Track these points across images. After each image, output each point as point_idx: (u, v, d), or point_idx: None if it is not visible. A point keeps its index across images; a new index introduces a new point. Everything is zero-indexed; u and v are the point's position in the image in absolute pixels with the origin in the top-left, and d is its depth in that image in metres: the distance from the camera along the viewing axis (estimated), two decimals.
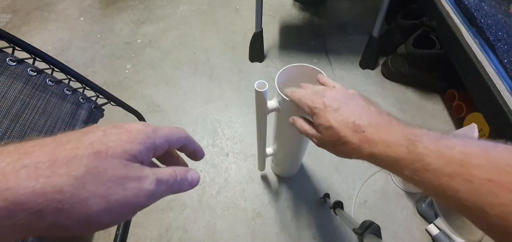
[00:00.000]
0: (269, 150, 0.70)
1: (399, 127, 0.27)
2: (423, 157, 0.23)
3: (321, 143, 0.34)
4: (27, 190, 0.12)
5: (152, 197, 0.17)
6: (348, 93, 0.34)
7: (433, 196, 0.24)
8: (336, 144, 0.31)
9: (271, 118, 0.54)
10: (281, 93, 0.44)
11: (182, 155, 0.25)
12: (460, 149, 0.21)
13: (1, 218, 0.12)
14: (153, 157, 0.19)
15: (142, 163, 0.17)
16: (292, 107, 0.44)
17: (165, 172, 0.18)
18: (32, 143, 0.14)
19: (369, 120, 0.29)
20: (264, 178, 0.83)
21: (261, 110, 0.49)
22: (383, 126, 0.28)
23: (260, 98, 0.45)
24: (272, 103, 0.48)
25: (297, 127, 0.38)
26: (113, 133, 0.16)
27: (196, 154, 0.24)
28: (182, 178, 0.20)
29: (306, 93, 0.35)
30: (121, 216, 0.16)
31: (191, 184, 0.21)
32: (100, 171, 0.14)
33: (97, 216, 0.14)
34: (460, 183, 0.20)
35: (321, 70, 0.46)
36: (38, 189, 0.13)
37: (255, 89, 0.43)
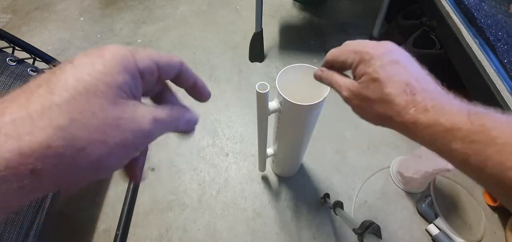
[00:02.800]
0: (269, 150, 0.70)
1: (458, 99, 0.24)
2: (488, 129, 0.20)
3: (354, 97, 0.28)
4: (12, 153, 0.11)
5: (151, 136, 0.16)
6: (405, 52, 0.28)
7: (480, 177, 0.20)
8: (374, 102, 0.26)
9: (271, 119, 0.54)
10: (282, 94, 0.44)
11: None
12: None
13: None
14: (143, 88, 0.17)
15: (134, 96, 0.15)
16: (294, 108, 0.44)
17: (162, 110, 0.17)
18: (2, 100, 0.13)
19: (426, 85, 0.25)
20: (264, 178, 0.83)
21: (263, 112, 0.49)
22: (440, 94, 0.24)
23: (262, 100, 0.45)
24: (273, 104, 0.48)
25: (324, 77, 0.32)
26: (85, 64, 0.14)
27: (198, 88, 0.21)
28: (181, 115, 0.18)
29: (350, 43, 0.30)
30: (125, 157, 0.15)
31: (189, 123, 0.19)
32: (87, 115, 0.13)
33: (102, 162, 0.13)
34: None
35: None
36: (25, 149, 0.11)
37: (257, 91, 0.43)
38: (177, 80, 0.19)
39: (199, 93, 0.21)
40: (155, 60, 0.16)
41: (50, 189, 0.13)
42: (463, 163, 0.21)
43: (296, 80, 0.49)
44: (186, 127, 0.19)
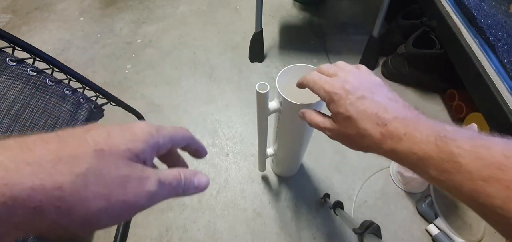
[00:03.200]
0: (269, 150, 0.70)
1: (428, 122, 0.24)
2: (455, 156, 0.20)
3: (335, 135, 0.30)
4: (26, 185, 0.12)
5: (152, 198, 0.17)
6: (373, 80, 0.30)
7: (462, 201, 0.21)
8: (354, 137, 0.28)
9: (271, 119, 0.54)
10: (282, 94, 0.44)
11: (185, 155, 0.25)
12: (499, 150, 0.19)
13: (1, 214, 0.12)
14: (156, 156, 0.19)
15: (144, 162, 0.17)
16: (293, 108, 0.44)
17: (169, 173, 0.18)
18: (34, 138, 0.14)
19: (395, 113, 0.26)
20: (264, 178, 0.83)
21: (263, 112, 0.49)
22: (411, 120, 0.25)
23: (262, 100, 0.45)
24: (273, 104, 0.48)
25: (307, 119, 0.34)
26: (117, 131, 0.16)
27: (199, 152, 0.24)
28: (187, 180, 0.19)
29: (322, 77, 0.31)
30: (120, 217, 0.16)
31: (198, 188, 0.20)
32: (102, 170, 0.14)
33: (97, 216, 0.14)
34: (497, 189, 0.18)
35: None
36: (37, 186, 0.12)
37: (257, 91, 0.43)
38: (185, 148, 0.23)
39: (199, 155, 0.24)
40: (172, 138, 0.20)
41: (45, 230, 0.14)
42: (443, 187, 0.22)
43: (296, 80, 0.49)
44: (196, 191, 0.20)
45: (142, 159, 0.17)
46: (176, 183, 0.18)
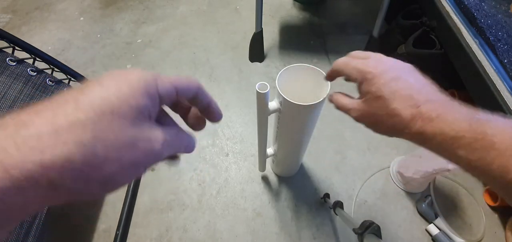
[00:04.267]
0: (269, 150, 0.70)
1: (462, 107, 0.25)
2: (488, 136, 0.21)
3: (362, 116, 0.30)
4: (35, 164, 0.12)
5: (160, 157, 0.17)
6: (406, 65, 0.30)
7: (487, 180, 0.21)
8: (382, 118, 0.28)
9: (271, 119, 0.54)
10: (282, 94, 0.44)
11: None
12: None
13: (11, 196, 0.11)
14: (162, 106, 0.18)
15: (149, 117, 0.16)
16: (294, 108, 0.44)
17: (172, 132, 0.18)
18: (27, 112, 0.13)
19: (428, 96, 0.26)
20: (264, 178, 0.83)
21: (263, 112, 0.49)
22: (443, 103, 0.25)
23: (262, 100, 0.45)
24: (273, 104, 0.48)
25: (334, 101, 0.34)
26: (112, 86, 0.15)
27: (211, 110, 0.21)
28: (183, 138, 0.19)
29: (354, 59, 0.31)
30: (133, 175, 0.16)
31: (188, 147, 0.20)
32: (109, 134, 0.14)
33: (111, 179, 0.14)
34: None
35: (322, 71, 0.46)
36: (47, 161, 0.12)
37: (257, 91, 0.43)
38: (193, 102, 0.20)
39: (212, 114, 0.22)
40: (175, 85, 0.18)
41: (61, 201, 0.14)
42: (469, 167, 0.22)
43: (296, 80, 0.49)
44: (185, 150, 0.20)
45: (146, 114, 0.16)
46: (179, 144, 0.18)
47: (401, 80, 0.27)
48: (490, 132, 0.21)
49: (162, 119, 0.21)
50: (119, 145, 0.14)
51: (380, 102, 0.27)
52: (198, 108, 0.21)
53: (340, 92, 0.35)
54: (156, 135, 0.16)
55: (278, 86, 0.45)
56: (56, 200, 0.13)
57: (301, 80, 0.49)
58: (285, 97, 0.44)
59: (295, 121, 0.51)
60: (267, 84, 0.42)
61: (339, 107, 0.34)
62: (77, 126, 0.13)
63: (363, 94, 0.30)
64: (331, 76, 0.35)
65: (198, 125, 0.23)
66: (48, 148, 0.12)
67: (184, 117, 0.23)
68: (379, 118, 0.28)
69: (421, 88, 0.27)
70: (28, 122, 0.13)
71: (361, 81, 0.29)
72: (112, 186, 0.15)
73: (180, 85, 0.18)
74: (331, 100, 0.35)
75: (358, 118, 0.31)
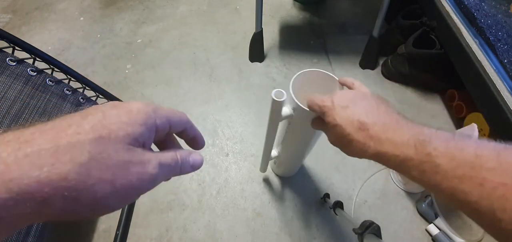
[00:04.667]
0: (273, 152, 0.69)
1: (407, 126, 0.27)
2: (432, 158, 0.22)
3: (332, 141, 0.35)
4: (31, 179, 0.12)
5: (155, 180, 0.17)
6: (359, 93, 0.34)
7: (442, 199, 0.23)
8: (343, 142, 0.31)
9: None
10: (296, 100, 0.43)
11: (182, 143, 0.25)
12: (472, 151, 0.20)
13: (7, 208, 0.12)
14: (154, 138, 0.19)
15: (144, 145, 0.17)
16: (306, 115, 0.42)
17: (167, 155, 0.19)
18: (31, 130, 0.14)
19: (375, 119, 0.29)
20: (264, 178, 0.83)
21: (275, 118, 0.47)
22: (390, 125, 0.27)
23: (277, 107, 0.44)
24: (286, 110, 0.47)
25: (314, 126, 0.40)
26: (113, 114, 0.16)
27: (196, 141, 0.24)
28: (183, 160, 0.20)
29: (317, 97, 0.36)
30: (126, 199, 0.16)
31: (193, 167, 0.21)
32: (104, 156, 0.14)
33: (104, 200, 0.15)
34: (471, 186, 0.19)
35: (336, 77, 0.45)
36: (43, 178, 0.13)
37: (273, 99, 0.42)
38: (181, 134, 0.22)
39: (197, 144, 0.24)
40: (169, 118, 0.19)
41: (51, 218, 0.14)
42: (425, 187, 0.24)
43: (308, 86, 0.48)
44: (191, 170, 0.21)
45: (141, 142, 0.17)
46: (174, 164, 0.19)
47: (349, 108, 0.31)
48: (434, 153, 0.22)
49: (166, 143, 0.23)
50: (112, 166, 0.15)
51: (337, 130, 0.31)
52: (184, 139, 0.23)
53: (319, 117, 0.38)
54: (149, 158, 0.17)
55: (292, 93, 0.44)
56: (46, 216, 0.14)
57: (314, 85, 0.48)
58: (299, 103, 0.43)
59: (306, 127, 0.49)
60: (284, 91, 0.42)
61: (318, 129, 0.40)
62: (76, 146, 0.14)
63: (326, 124, 0.34)
64: (309, 108, 0.39)
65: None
66: (46, 165, 0.13)
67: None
68: (342, 144, 0.32)
69: (368, 111, 0.30)
70: (31, 140, 0.13)
71: (322, 114, 0.34)
72: (102, 208, 0.15)
73: (173, 119, 0.20)
74: (312, 124, 0.41)
75: (332, 143, 0.35)
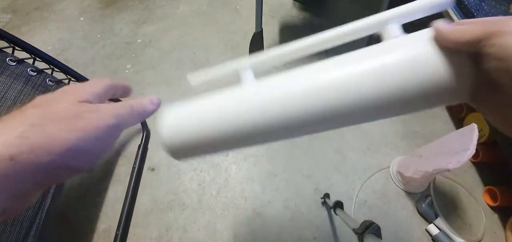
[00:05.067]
0: None
1: None
2: None
3: (483, 83, 0.18)
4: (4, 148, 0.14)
5: (117, 118, 0.18)
6: None
7: None
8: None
9: None
10: None
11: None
12: None
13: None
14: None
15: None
16: None
17: (122, 104, 0.20)
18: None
19: None
20: (264, 178, 0.83)
21: None
22: None
23: None
24: None
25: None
26: (49, 95, 0.18)
27: (125, 91, 0.24)
28: (139, 101, 0.21)
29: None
30: (101, 141, 0.17)
31: (153, 103, 0.22)
32: (52, 113, 0.16)
33: (78, 146, 0.16)
34: None
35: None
36: (3, 140, 0.14)
37: None
38: (114, 96, 0.23)
39: (126, 93, 0.25)
40: (105, 89, 0.20)
41: (43, 178, 0.16)
42: None
43: None
44: (153, 108, 0.22)
45: (87, 100, 0.18)
46: (131, 109, 0.20)
47: None
48: None
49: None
50: (66, 117, 0.16)
51: None
52: (120, 97, 0.24)
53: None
54: (104, 109, 0.18)
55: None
56: (38, 176, 0.15)
57: None
58: None
59: None
60: None
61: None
62: (23, 116, 0.16)
63: (487, 54, 0.16)
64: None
65: None
66: (5, 129, 0.15)
67: None
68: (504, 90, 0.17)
69: None
70: None
71: (486, 37, 0.16)
72: (86, 154, 0.17)
73: (104, 88, 0.20)
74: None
75: (488, 114, 0.20)
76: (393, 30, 0.24)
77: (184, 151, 0.24)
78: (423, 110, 0.23)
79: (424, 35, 0.21)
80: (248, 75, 0.27)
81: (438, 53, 0.19)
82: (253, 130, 0.23)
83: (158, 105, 0.23)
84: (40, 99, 0.17)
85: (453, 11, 0.86)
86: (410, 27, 0.25)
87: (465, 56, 0.19)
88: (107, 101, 0.21)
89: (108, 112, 0.18)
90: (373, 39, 0.26)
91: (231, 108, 0.23)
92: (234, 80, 0.29)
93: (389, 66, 0.20)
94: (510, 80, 0.15)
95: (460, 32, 0.18)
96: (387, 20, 0.25)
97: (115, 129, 0.18)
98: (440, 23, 0.19)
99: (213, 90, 0.26)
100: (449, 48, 0.19)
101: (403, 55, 0.20)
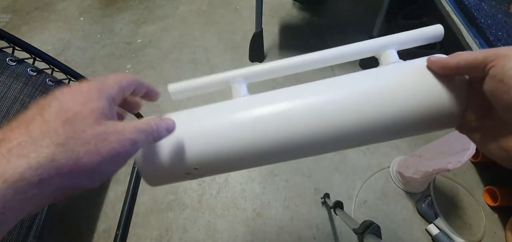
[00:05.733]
0: None
1: None
2: None
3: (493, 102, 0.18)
4: (23, 167, 0.14)
5: (136, 144, 0.18)
6: None
7: None
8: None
9: None
10: None
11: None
12: None
13: (9, 196, 0.13)
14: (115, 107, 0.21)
15: (109, 116, 0.18)
16: None
17: (140, 121, 0.20)
18: (1, 131, 0.15)
19: None
20: (264, 178, 0.83)
21: None
22: None
23: None
24: None
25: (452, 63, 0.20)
26: (68, 99, 0.17)
27: (150, 94, 0.24)
28: (157, 124, 0.21)
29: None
30: (117, 165, 0.18)
31: (169, 129, 0.22)
32: (79, 133, 0.16)
33: (97, 169, 0.16)
34: None
35: None
36: (33, 163, 0.14)
37: None
38: (134, 93, 0.23)
39: (151, 96, 0.25)
40: (119, 84, 0.20)
41: (56, 196, 0.16)
42: None
43: None
44: (167, 133, 0.22)
45: (107, 115, 0.18)
46: (150, 128, 0.20)
47: None
48: None
49: (130, 109, 0.25)
50: (91, 140, 0.16)
51: None
52: (140, 97, 0.24)
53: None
54: (123, 126, 0.18)
55: None
56: (50, 196, 0.15)
57: None
58: None
59: None
60: None
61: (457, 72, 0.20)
62: (50, 132, 0.15)
63: (491, 76, 0.17)
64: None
65: (134, 109, 0.26)
66: (32, 152, 0.14)
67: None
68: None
69: None
70: (5, 138, 0.15)
71: (487, 64, 0.18)
72: (98, 176, 0.17)
73: (123, 83, 0.20)
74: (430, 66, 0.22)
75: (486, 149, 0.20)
76: (391, 56, 0.26)
77: (164, 177, 0.24)
78: (414, 135, 0.25)
79: (421, 63, 0.23)
80: (242, 91, 0.27)
81: (435, 80, 0.21)
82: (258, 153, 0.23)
83: (172, 132, 0.22)
84: (60, 105, 0.16)
85: (453, 11, 0.86)
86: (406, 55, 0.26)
87: (459, 83, 0.21)
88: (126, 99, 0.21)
89: (129, 136, 0.18)
90: (373, 38, 0.26)
91: (233, 132, 0.23)
92: (221, 91, 0.29)
93: (387, 92, 0.22)
94: (507, 103, 0.17)
95: (461, 56, 0.19)
96: (386, 45, 0.27)
97: (132, 152, 0.18)
98: (434, 55, 0.22)
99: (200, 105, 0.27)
100: (445, 75, 0.21)
101: (401, 82, 0.22)
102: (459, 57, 0.20)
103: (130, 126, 0.18)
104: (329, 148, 0.23)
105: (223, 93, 0.29)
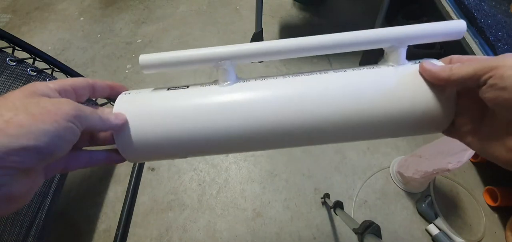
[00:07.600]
0: None
1: None
2: None
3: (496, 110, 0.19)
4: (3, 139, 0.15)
5: (78, 118, 0.19)
6: None
7: None
8: None
9: None
10: None
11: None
12: None
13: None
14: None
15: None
16: None
17: (87, 105, 0.20)
18: None
19: None
20: (264, 178, 0.83)
21: None
22: None
23: None
24: None
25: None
26: (10, 95, 0.18)
27: (114, 88, 0.25)
28: (104, 114, 0.21)
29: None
30: (62, 133, 0.18)
31: (117, 117, 0.22)
32: (10, 101, 0.17)
33: (32, 131, 0.17)
34: None
35: None
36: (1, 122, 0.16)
37: None
38: (94, 95, 0.24)
39: (115, 90, 0.25)
40: (72, 86, 0.21)
41: (39, 157, 0.17)
42: None
43: None
44: (118, 123, 0.22)
45: (49, 95, 0.19)
46: (95, 114, 0.20)
47: None
48: None
49: None
50: (22, 104, 0.17)
51: None
52: (102, 96, 0.25)
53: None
54: (66, 101, 0.19)
55: None
56: (33, 153, 0.17)
57: None
58: None
59: None
60: None
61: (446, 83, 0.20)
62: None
63: (489, 86, 0.18)
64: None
65: None
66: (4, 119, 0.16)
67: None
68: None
69: None
70: None
71: (484, 74, 0.18)
72: (36, 140, 0.17)
73: (75, 82, 0.21)
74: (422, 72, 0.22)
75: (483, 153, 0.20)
76: (400, 55, 0.24)
77: (141, 151, 0.24)
78: (399, 136, 0.25)
79: (414, 67, 0.23)
80: (230, 76, 0.26)
81: (425, 86, 0.21)
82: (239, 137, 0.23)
83: (123, 121, 0.22)
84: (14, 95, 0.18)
85: (453, 10, 0.86)
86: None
87: (448, 94, 0.21)
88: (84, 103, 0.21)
89: (70, 104, 0.18)
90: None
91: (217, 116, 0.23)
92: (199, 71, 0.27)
93: (364, 88, 0.22)
94: (507, 110, 0.17)
95: (452, 71, 0.20)
96: (394, 38, 0.24)
97: (76, 118, 0.18)
98: (428, 62, 0.22)
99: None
100: (438, 85, 0.21)
101: (388, 83, 0.22)
102: (449, 72, 0.20)
103: (72, 103, 0.19)
104: (301, 141, 0.24)
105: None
